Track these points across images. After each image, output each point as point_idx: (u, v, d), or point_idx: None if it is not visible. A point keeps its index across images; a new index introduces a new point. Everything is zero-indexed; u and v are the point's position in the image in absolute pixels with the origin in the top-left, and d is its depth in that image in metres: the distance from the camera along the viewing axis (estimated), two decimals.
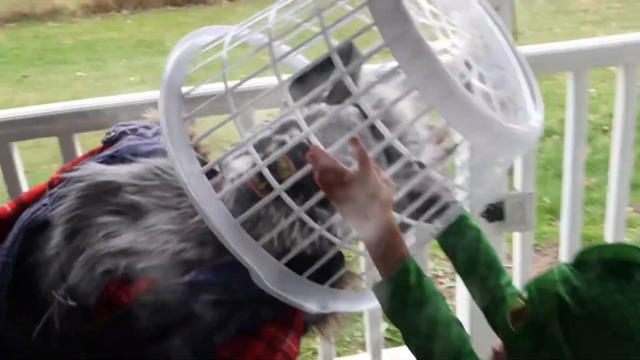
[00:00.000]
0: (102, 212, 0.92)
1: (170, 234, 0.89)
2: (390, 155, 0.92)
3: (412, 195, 0.90)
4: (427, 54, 0.77)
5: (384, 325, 2.02)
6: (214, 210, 0.85)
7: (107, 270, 0.88)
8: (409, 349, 0.88)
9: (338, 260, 0.97)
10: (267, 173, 0.85)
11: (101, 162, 1.00)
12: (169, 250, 0.88)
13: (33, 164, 1.68)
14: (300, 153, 0.89)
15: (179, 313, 0.85)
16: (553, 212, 2.68)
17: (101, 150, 1.07)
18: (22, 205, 1.03)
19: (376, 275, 0.89)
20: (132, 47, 7.18)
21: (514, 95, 1.01)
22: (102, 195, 0.94)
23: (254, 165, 0.87)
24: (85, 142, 1.59)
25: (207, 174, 0.90)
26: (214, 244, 0.86)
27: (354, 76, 0.96)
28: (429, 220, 0.96)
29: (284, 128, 0.94)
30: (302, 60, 1.17)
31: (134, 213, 0.93)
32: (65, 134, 1.56)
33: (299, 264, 0.90)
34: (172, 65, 0.98)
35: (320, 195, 0.85)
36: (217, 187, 0.96)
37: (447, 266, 2.55)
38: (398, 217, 0.89)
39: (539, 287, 0.87)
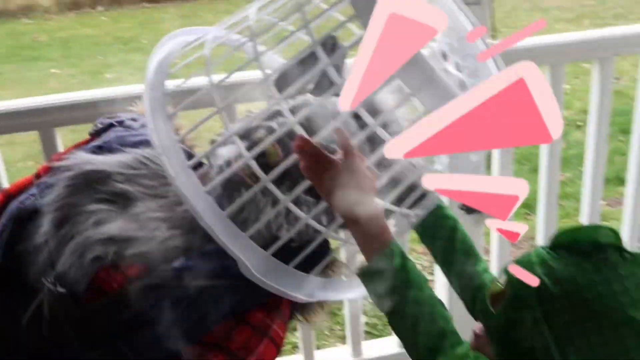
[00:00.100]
0: (91, 200, 0.93)
1: (159, 221, 0.90)
2: (374, 144, 0.94)
3: (394, 183, 0.92)
4: None
5: (364, 318, 2.04)
6: (202, 203, 0.86)
7: (96, 256, 0.89)
8: (394, 331, 0.90)
9: (324, 248, 0.99)
10: (253, 164, 0.87)
11: (89, 153, 1.01)
12: (157, 237, 0.89)
13: (8, 162, 1.66)
14: (286, 140, 0.90)
15: (168, 299, 0.86)
16: (529, 206, 2.72)
17: (88, 142, 1.08)
18: (8, 196, 1.03)
19: (359, 264, 0.91)
20: (107, 43, 7.12)
21: (482, 70, 1.05)
22: (91, 184, 0.94)
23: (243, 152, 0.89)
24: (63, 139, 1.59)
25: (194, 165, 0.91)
26: (202, 231, 0.88)
27: (338, 68, 0.98)
28: (410, 207, 0.99)
29: (271, 116, 0.95)
30: (280, 61, 1.19)
31: (122, 201, 0.93)
32: (46, 127, 1.56)
33: (285, 253, 0.91)
34: (155, 61, 0.99)
35: (306, 184, 0.87)
36: (204, 177, 0.98)
37: (425, 260, 2.58)
38: (381, 204, 0.92)
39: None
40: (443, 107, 0.54)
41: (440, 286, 1.83)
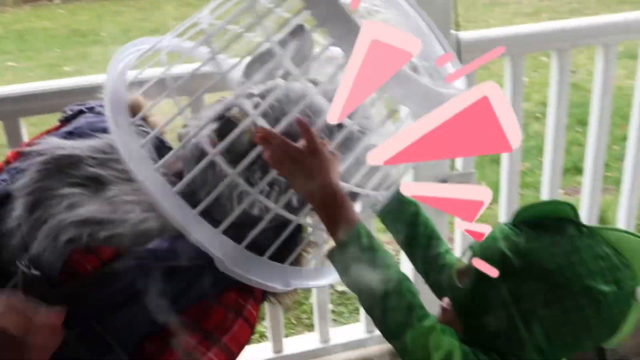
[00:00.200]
0: (64, 184, 0.93)
1: (132, 204, 0.91)
2: (338, 128, 0.96)
3: (358, 164, 0.95)
4: (356, 30, 0.82)
5: (331, 306, 2.07)
6: (171, 202, 0.87)
7: (70, 239, 0.89)
8: (364, 308, 0.93)
9: (297, 236, 1.01)
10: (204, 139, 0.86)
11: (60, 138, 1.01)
12: (131, 220, 0.90)
13: None
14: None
15: (142, 280, 0.87)
16: None
17: (58, 128, 1.07)
18: None
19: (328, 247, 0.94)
20: (65, 36, 6.99)
21: (439, 68, 1.09)
22: (63, 168, 0.94)
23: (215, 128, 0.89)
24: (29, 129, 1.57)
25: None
26: None
27: (304, 57, 1.00)
28: (375, 189, 1.01)
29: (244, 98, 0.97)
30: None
31: (95, 185, 0.94)
32: (10, 117, 1.54)
33: (259, 245, 0.93)
34: (113, 71, 1.00)
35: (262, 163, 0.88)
36: (176, 164, 0.99)
37: (391, 248, 2.62)
38: (346, 187, 0.94)
39: (482, 245, 0.94)
40: (419, 120, 0.63)
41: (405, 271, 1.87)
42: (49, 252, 0.88)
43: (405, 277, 0.90)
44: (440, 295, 1.09)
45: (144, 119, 1.03)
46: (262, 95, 0.97)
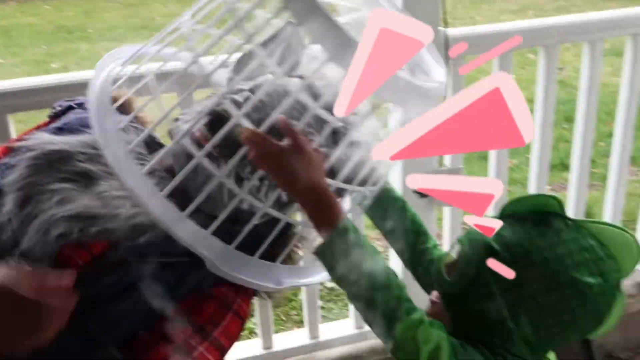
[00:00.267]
0: (54, 179, 0.92)
1: (122, 199, 0.91)
2: (323, 124, 0.96)
3: (342, 161, 0.95)
4: (335, 27, 0.83)
5: (320, 302, 2.08)
6: (159, 205, 0.87)
7: (61, 234, 0.89)
8: (353, 303, 0.94)
9: (286, 235, 1.02)
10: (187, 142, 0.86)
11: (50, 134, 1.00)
12: (122, 214, 0.90)
13: None
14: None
15: (133, 274, 0.87)
16: None
17: (47, 124, 1.07)
18: None
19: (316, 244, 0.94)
20: (51, 32, 6.94)
21: (419, 62, 1.10)
22: (53, 164, 0.94)
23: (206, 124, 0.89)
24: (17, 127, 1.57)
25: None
26: None
27: (296, 52, 1.00)
28: (361, 185, 1.02)
29: (234, 92, 0.97)
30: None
31: (85, 180, 0.94)
32: None
33: (250, 241, 0.93)
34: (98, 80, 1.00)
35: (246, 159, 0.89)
36: (166, 159, 0.99)
37: (379, 245, 2.64)
38: (332, 183, 0.94)
39: (470, 238, 0.95)
40: (426, 114, 0.60)
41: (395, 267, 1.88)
42: (40, 247, 0.88)
43: (392, 272, 0.91)
44: (428, 290, 1.10)
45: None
46: (252, 90, 0.97)
